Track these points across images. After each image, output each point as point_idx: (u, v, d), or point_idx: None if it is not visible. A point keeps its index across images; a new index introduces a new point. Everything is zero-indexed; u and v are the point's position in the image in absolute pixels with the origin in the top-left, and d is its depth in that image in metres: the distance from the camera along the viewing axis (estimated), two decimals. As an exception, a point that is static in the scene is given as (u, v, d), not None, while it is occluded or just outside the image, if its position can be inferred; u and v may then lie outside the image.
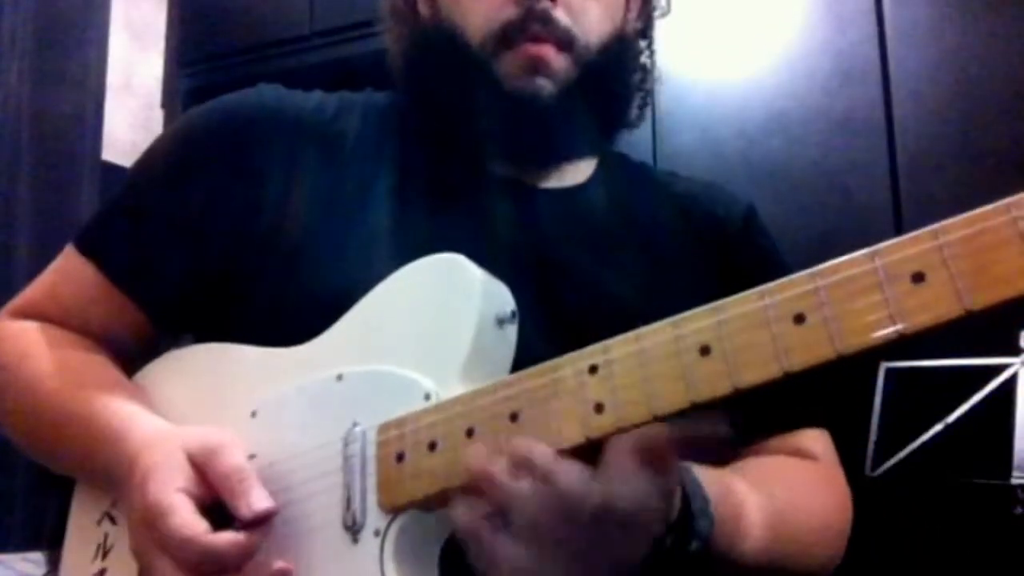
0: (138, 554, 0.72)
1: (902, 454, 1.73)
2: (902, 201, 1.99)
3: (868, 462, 1.76)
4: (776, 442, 0.92)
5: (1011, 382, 1.67)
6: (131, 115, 2.86)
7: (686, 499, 0.67)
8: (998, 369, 1.68)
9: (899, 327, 0.51)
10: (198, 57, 2.87)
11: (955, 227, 0.51)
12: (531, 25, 0.88)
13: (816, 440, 0.94)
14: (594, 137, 0.99)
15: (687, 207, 1.00)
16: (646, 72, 1.02)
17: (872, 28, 2.09)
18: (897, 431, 1.75)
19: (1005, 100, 1.95)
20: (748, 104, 2.16)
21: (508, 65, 0.89)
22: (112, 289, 0.92)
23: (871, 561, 1.71)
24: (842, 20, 2.13)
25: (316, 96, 0.98)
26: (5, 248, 2.43)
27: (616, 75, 0.96)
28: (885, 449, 1.75)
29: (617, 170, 1.03)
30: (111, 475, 0.79)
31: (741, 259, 0.96)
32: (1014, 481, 1.64)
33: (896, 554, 1.69)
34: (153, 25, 3.02)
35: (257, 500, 0.70)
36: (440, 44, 0.93)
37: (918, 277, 0.51)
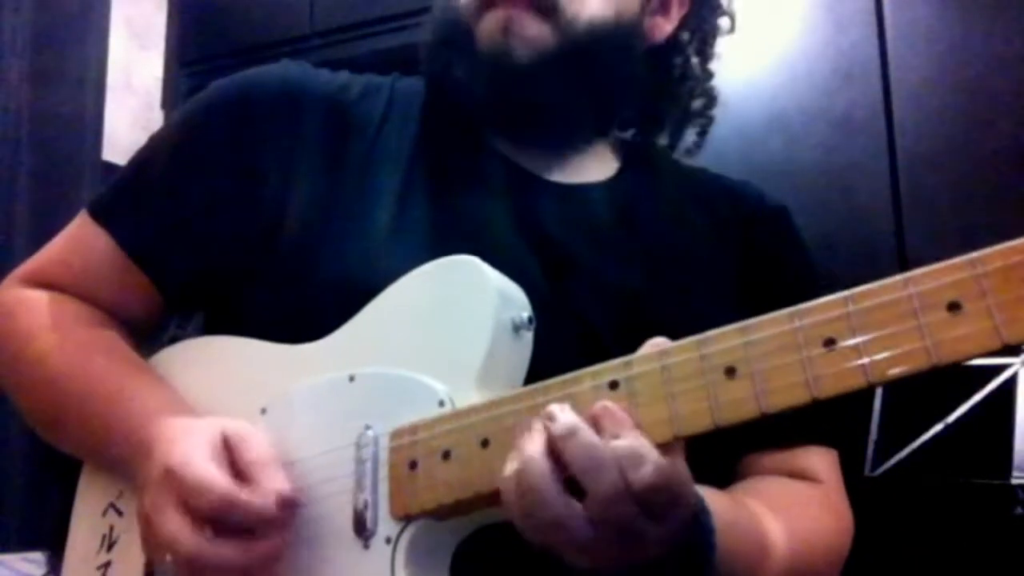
0: (150, 514, 0.71)
1: (902, 454, 1.73)
2: (902, 201, 1.99)
3: (868, 462, 1.75)
4: (779, 458, 0.90)
5: (1011, 382, 1.67)
6: (131, 115, 2.85)
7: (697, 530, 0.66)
8: (998, 369, 1.68)
9: (934, 358, 0.50)
10: (198, 57, 2.86)
11: (993, 257, 0.50)
12: None
13: (820, 460, 0.92)
14: (589, 123, 0.97)
15: (715, 205, 0.98)
16: (685, 84, 1.01)
17: (872, 28, 2.09)
18: (897, 431, 1.75)
19: (1005, 100, 1.95)
20: (748, 104, 2.16)
21: (485, 25, 0.89)
22: (126, 262, 0.91)
23: (871, 561, 1.71)
24: (842, 20, 2.13)
25: (342, 76, 0.98)
26: (5, 248, 2.42)
27: (609, 61, 0.93)
28: (885, 449, 1.75)
29: (642, 167, 1.01)
30: (133, 453, 0.78)
31: (767, 262, 0.95)
32: (1014, 481, 1.63)
33: (896, 554, 1.69)
34: (153, 25, 3.01)
35: (284, 486, 0.70)
36: (438, 10, 0.95)
37: (954, 307, 0.50)
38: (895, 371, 0.52)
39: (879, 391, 1.78)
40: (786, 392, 0.55)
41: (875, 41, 2.09)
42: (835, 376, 0.54)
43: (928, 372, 0.51)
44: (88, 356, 0.88)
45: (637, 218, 0.94)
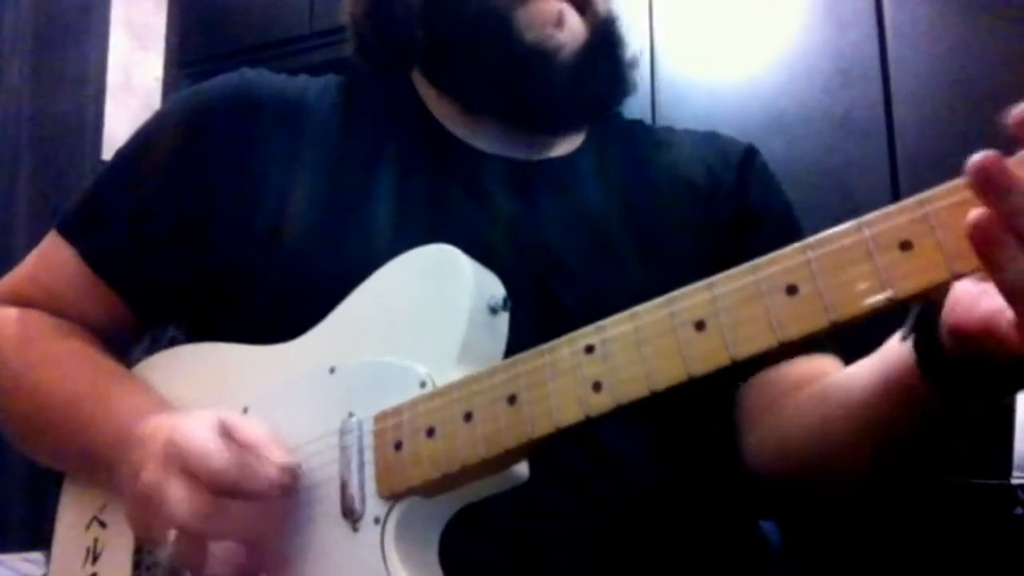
0: (149, 488, 0.70)
1: (902, 454, 1.72)
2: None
3: (868, 462, 1.75)
4: (785, 368, 0.87)
5: (1011, 382, 1.67)
6: (131, 115, 2.86)
7: None
8: (998, 369, 1.68)
9: (890, 293, 0.53)
10: (198, 57, 2.87)
11: (939, 196, 0.52)
12: None
13: (834, 364, 0.89)
14: (594, 108, 0.97)
15: (684, 170, 0.98)
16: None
17: (872, 28, 2.10)
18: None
19: (1005, 100, 1.94)
20: (748, 104, 2.17)
21: (529, 16, 0.88)
22: (92, 276, 0.91)
23: (871, 561, 1.70)
24: (842, 20, 2.14)
25: (301, 80, 0.98)
26: (4, 249, 2.43)
27: (619, 45, 0.94)
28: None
29: (610, 133, 1.01)
30: (125, 440, 0.77)
31: (742, 213, 0.95)
32: (1014, 481, 1.63)
33: (896, 554, 1.68)
34: (153, 25, 3.02)
35: (285, 458, 0.70)
36: None
37: (906, 245, 0.53)
38: (854, 308, 0.54)
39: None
40: (753, 339, 0.57)
41: (875, 41, 2.10)
42: (798, 319, 0.56)
43: (889, 309, 0.53)
44: (70, 362, 0.88)
45: (613, 190, 0.94)
